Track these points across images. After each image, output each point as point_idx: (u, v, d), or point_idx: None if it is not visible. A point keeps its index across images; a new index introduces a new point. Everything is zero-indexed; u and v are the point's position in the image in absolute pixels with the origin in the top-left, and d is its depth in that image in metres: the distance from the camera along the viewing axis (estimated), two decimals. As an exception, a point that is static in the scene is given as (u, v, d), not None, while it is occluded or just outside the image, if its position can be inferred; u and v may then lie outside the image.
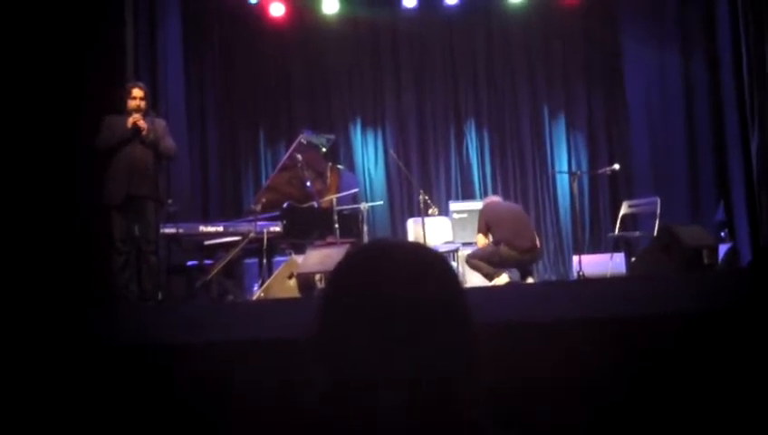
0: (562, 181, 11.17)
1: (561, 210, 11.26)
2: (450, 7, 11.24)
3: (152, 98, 9.13)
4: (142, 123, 6.99)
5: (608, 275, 8.75)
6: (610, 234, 9.57)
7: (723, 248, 8.27)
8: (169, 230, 7.49)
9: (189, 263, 7.98)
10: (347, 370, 1.44)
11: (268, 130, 11.57)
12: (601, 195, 11.17)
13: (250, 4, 11.02)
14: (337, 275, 1.52)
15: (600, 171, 9.87)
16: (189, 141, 10.11)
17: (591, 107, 11.49)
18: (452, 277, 1.52)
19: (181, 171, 9.51)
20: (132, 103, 7.08)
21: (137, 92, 7.17)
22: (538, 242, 8.36)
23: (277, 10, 11.09)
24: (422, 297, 1.45)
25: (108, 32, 8.08)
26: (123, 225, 6.91)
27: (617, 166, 9.23)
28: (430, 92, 11.64)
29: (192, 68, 10.38)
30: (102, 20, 7.99)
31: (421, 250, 1.54)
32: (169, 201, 7.75)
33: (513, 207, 8.88)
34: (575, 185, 9.14)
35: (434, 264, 1.51)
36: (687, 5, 10.25)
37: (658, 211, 8.78)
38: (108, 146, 6.97)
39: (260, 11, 11.12)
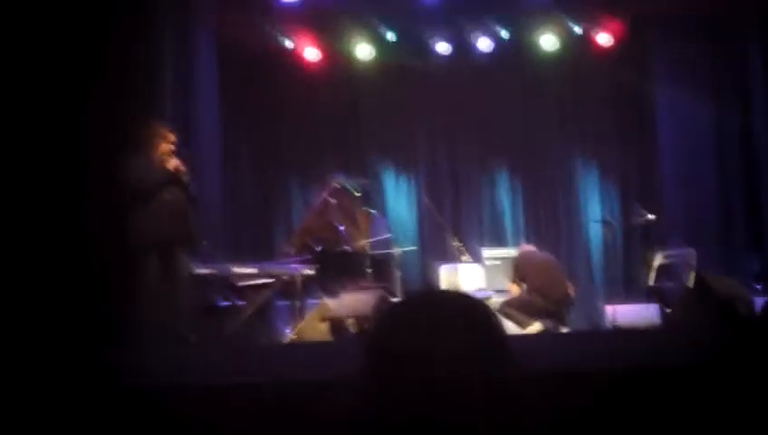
0: (595, 230, 11.11)
1: (594, 259, 11.18)
2: (483, 55, 11.30)
3: (186, 138, 9.27)
4: (183, 168, 7.04)
5: (642, 326, 8.66)
6: (643, 284, 9.48)
7: (759, 301, 8.17)
8: (202, 271, 7.51)
9: (221, 303, 8.00)
10: (394, 412, 1.45)
11: (302, 173, 11.62)
12: (634, 244, 11.09)
13: (285, 48, 11.14)
14: (383, 327, 1.53)
15: (635, 221, 9.80)
16: (223, 182, 10.18)
17: (624, 155, 11.45)
18: (495, 328, 1.52)
19: (214, 212, 9.57)
20: (167, 147, 7.10)
21: (172, 137, 7.21)
22: (572, 291, 8.32)
23: (312, 55, 11.20)
24: (468, 351, 1.46)
25: (145, 74, 8.19)
26: (156, 266, 6.93)
27: (652, 216, 9.17)
28: (463, 139, 11.66)
29: (227, 110, 10.46)
30: (139, 63, 8.11)
31: (465, 301, 1.54)
32: (204, 241, 7.79)
33: (547, 256, 8.83)
34: (608, 233, 9.08)
35: (477, 315, 1.51)
36: (719, 55, 10.26)
37: (695, 262, 8.71)
38: (149, 188, 6.97)
39: (295, 56, 11.24)
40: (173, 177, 7.04)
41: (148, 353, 5.61)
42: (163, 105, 8.51)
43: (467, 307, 1.53)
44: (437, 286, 9.39)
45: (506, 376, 1.49)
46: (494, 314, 1.56)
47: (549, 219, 11.45)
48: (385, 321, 1.54)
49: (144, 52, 8.25)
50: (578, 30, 11.11)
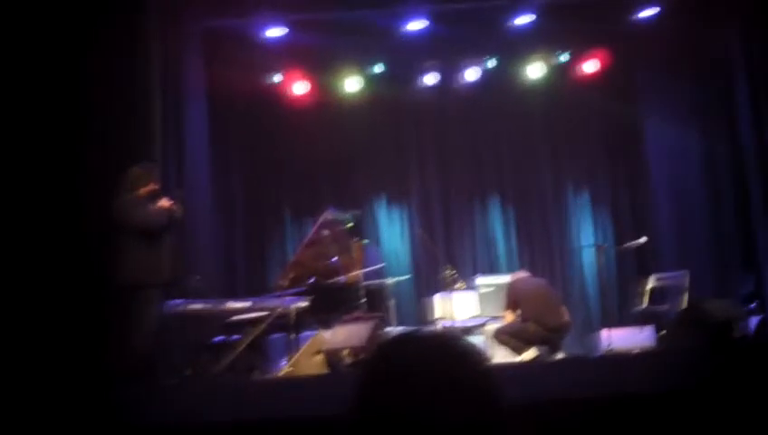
0: (588, 254, 11.14)
1: (588, 283, 11.21)
2: (470, 84, 11.37)
3: (179, 177, 9.29)
4: (176, 208, 7.05)
5: (636, 350, 8.68)
6: (637, 307, 9.50)
7: (753, 320, 8.20)
8: (196, 306, 7.50)
9: (216, 339, 7.98)
10: None
11: (293, 206, 11.64)
12: (627, 268, 11.11)
13: (274, 83, 11.19)
14: (370, 369, 1.55)
15: (627, 245, 9.82)
16: (215, 218, 10.20)
17: (614, 180, 11.54)
18: (485, 378, 1.53)
19: (207, 247, 9.58)
20: (156, 187, 7.10)
21: (157, 175, 7.23)
22: (566, 317, 8.32)
23: (300, 89, 11.25)
24: (452, 396, 1.48)
25: (134, 114, 8.22)
26: (155, 304, 6.92)
27: (644, 239, 9.21)
28: (453, 168, 11.71)
29: (217, 145, 10.52)
30: (129, 103, 8.14)
31: (452, 348, 1.55)
32: (197, 277, 7.79)
33: (541, 283, 8.84)
34: (601, 258, 9.10)
35: (465, 362, 1.53)
36: (705, 79, 10.34)
37: (687, 285, 8.74)
38: (154, 229, 6.94)
39: (283, 90, 11.29)
40: (171, 218, 7.05)
41: (143, 392, 5.61)
42: (154, 146, 8.53)
43: (454, 353, 1.55)
44: (425, 330, 9.41)
45: (491, 418, 1.50)
46: (480, 357, 1.57)
47: (542, 246, 11.49)
48: (372, 368, 1.55)
49: (134, 93, 8.29)
50: (564, 58, 11.21)
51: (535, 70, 11.23)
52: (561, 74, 11.34)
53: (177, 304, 7.40)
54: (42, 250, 7.18)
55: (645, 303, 9.28)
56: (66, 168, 7.47)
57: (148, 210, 6.90)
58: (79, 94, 7.66)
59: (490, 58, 11.22)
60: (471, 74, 11.30)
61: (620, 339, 8.86)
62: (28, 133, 7.34)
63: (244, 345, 7.30)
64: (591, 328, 10.96)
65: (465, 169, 11.72)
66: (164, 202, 7.01)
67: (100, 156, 7.61)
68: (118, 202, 6.90)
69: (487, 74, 11.33)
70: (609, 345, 8.05)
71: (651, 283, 9.33)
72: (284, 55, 10.92)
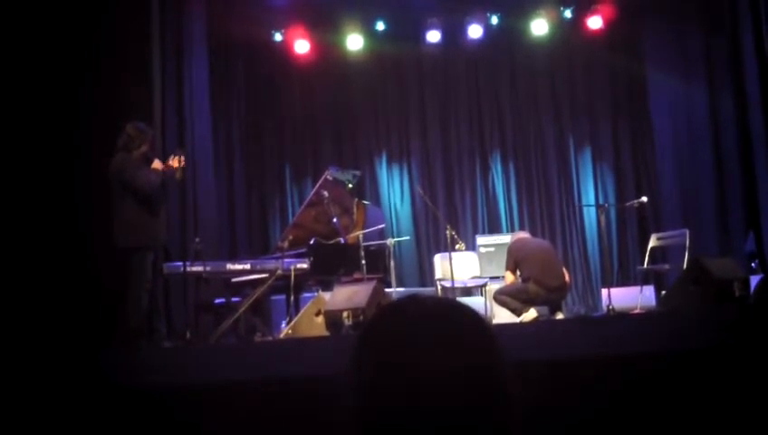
0: (590, 214, 11.11)
1: (589, 243, 11.20)
2: (473, 41, 11.27)
3: (179, 135, 9.24)
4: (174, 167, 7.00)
5: (638, 309, 8.67)
6: (639, 267, 9.48)
7: (754, 280, 8.17)
8: (196, 268, 7.49)
9: (216, 301, 7.99)
10: (373, 407, 1.45)
11: (294, 167, 11.61)
12: (629, 227, 11.10)
13: (276, 41, 11.09)
14: (369, 329, 1.52)
15: (628, 204, 9.76)
16: (216, 179, 10.16)
17: (618, 139, 11.45)
18: (485, 344, 1.50)
19: (208, 209, 9.55)
20: (147, 149, 7.03)
21: (151, 137, 7.19)
22: (567, 278, 8.29)
23: (302, 47, 11.15)
24: (451, 367, 1.45)
25: (134, 70, 8.15)
26: (151, 264, 6.90)
27: (645, 199, 9.16)
28: (455, 126, 11.65)
29: (218, 105, 10.45)
30: (129, 58, 8.07)
31: (452, 310, 1.52)
32: (196, 239, 7.77)
33: (542, 243, 8.80)
34: (603, 217, 9.04)
35: (464, 331, 1.50)
36: (712, 36, 10.23)
37: (688, 243, 8.71)
38: (155, 190, 6.90)
39: (285, 48, 11.19)
40: (165, 180, 7.01)
41: (142, 353, 5.61)
42: (152, 100, 8.48)
43: (454, 314, 1.52)
44: (425, 291, 9.43)
45: (492, 379, 1.47)
46: (481, 318, 1.54)
47: (543, 205, 11.45)
48: (372, 330, 1.53)
49: (135, 51, 8.22)
50: (568, 14, 11.09)
51: (539, 26, 11.11)
52: (565, 30, 11.22)
53: (178, 266, 7.40)
54: (37, 207, 7.16)
55: (646, 262, 9.26)
56: (64, 121, 7.43)
57: (141, 171, 6.84)
58: (77, 44, 7.60)
59: (494, 14, 11.10)
60: (474, 31, 11.19)
61: (621, 298, 8.84)
62: (25, 84, 7.29)
63: (244, 307, 7.29)
64: (592, 288, 10.98)
65: (467, 127, 11.66)
66: (157, 164, 6.94)
67: (98, 109, 7.57)
68: (113, 160, 6.85)
69: (491, 31, 11.22)
70: (609, 305, 8.01)
71: (652, 242, 9.30)
72: (287, 11, 10.82)
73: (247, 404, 4.04)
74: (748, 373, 3.46)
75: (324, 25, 11.08)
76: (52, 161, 7.32)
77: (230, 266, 7.81)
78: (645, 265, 9.25)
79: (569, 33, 11.24)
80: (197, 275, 7.57)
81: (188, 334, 7.11)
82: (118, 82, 7.77)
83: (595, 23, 11.00)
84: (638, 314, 7.98)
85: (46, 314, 6.78)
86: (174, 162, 6.94)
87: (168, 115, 9.10)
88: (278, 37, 11.08)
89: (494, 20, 11.13)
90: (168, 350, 6.33)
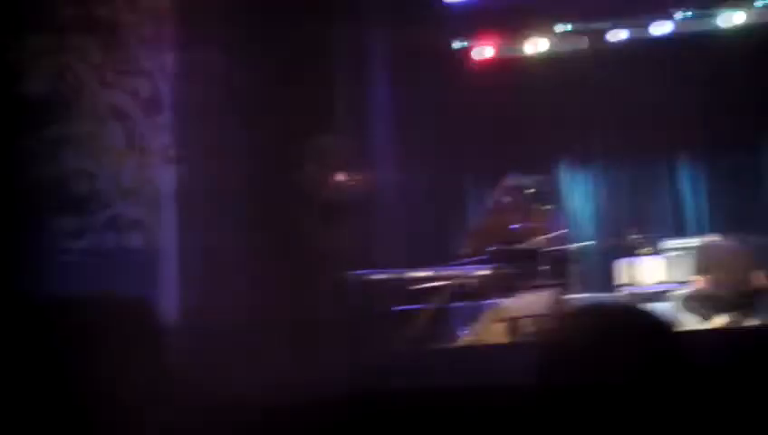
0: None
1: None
2: (660, 39, 10.95)
3: (361, 144, 9.38)
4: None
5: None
6: None
7: None
8: (378, 276, 7.59)
9: (397, 308, 8.06)
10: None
11: (475, 173, 11.61)
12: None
13: (458, 48, 11.18)
14: (552, 339, 1.51)
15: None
16: (397, 187, 10.28)
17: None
18: (669, 350, 1.45)
19: (389, 217, 9.67)
20: (336, 161, 7.13)
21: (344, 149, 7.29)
22: (763, 281, 7.94)
23: (484, 53, 11.23)
24: (635, 363, 1.42)
25: (317, 81, 8.32)
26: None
27: None
28: (639, 126, 11.32)
29: (399, 115, 10.58)
30: (312, 69, 8.24)
31: (636, 318, 1.49)
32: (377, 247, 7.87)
33: (734, 246, 8.43)
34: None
35: (650, 332, 1.46)
36: None
37: None
38: (344, 205, 7.02)
39: (467, 55, 11.26)
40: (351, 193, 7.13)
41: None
42: (335, 111, 8.65)
43: (638, 323, 1.48)
44: (608, 299, 9.22)
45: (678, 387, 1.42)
46: (667, 326, 1.49)
47: (733, 207, 10.97)
48: (555, 338, 1.51)
49: (321, 62, 8.41)
50: (761, 2, 10.59)
51: (729, 18, 10.66)
52: (759, 20, 10.71)
53: (360, 274, 7.51)
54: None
55: None
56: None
57: (331, 184, 6.99)
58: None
59: (680, 10, 10.74)
60: (660, 29, 10.87)
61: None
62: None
63: (426, 314, 7.34)
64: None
65: (652, 127, 11.31)
66: (341, 176, 7.05)
67: (282, 124, 7.77)
68: (305, 173, 7.00)
69: (677, 28, 10.88)
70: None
71: None
72: (469, 18, 10.88)
73: (428, 411, 4.05)
74: None
75: (507, 30, 11.05)
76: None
77: (412, 274, 7.88)
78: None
79: (762, 22, 10.72)
80: (379, 282, 7.67)
81: (370, 342, 7.20)
82: (299, 94, 7.94)
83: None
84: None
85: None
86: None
87: (350, 125, 9.27)
88: (460, 44, 11.14)
89: (681, 15, 10.77)
90: (349, 357, 6.42)
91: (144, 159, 6.80)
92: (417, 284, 7.92)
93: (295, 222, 7.04)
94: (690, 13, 10.73)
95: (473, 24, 11.00)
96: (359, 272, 7.63)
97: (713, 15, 10.70)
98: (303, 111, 7.79)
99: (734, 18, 10.61)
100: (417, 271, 7.96)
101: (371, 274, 7.47)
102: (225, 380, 4.47)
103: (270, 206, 7.53)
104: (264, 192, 7.54)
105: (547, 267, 8.13)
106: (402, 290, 8.04)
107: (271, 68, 7.84)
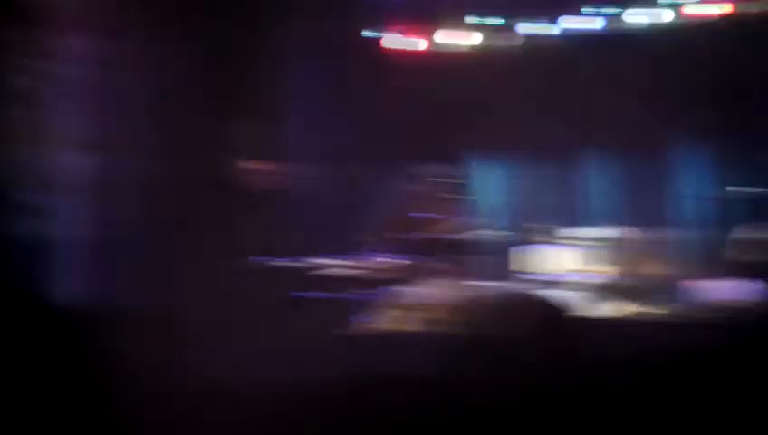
0: (693, 206, 10.84)
1: (693, 236, 10.87)
2: (580, 32, 11.11)
3: (278, 133, 9.29)
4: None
5: (742, 302, 8.43)
6: (742, 258, 9.18)
7: None
8: (283, 264, 7.54)
9: (302, 296, 8.02)
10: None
11: (391, 162, 11.55)
12: (734, 217, 10.73)
13: (383, 39, 11.16)
14: (465, 328, 1.50)
15: (736, 192, 9.44)
16: (309, 175, 10.24)
17: (729, 129, 11.08)
18: (570, 334, 1.46)
19: (299, 203, 9.62)
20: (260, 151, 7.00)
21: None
22: (669, 271, 8.17)
23: (409, 44, 11.25)
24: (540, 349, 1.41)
25: (242, 73, 8.23)
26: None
27: (755, 187, 8.80)
28: (555, 117, 11.35)
29: (318, 102, 10.54)
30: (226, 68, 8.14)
31: (541, 306, 1.48)
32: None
33: (641, 236, 8.73)
34: (707, 207, 8.81)
35: (555, 320, 1.46)
36: None
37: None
38: (256, 191, 6.90)
39: (390, 43, 11.28)
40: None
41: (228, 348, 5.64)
42: (255, 102, 8.58)
43: (543, 311, 1.48)
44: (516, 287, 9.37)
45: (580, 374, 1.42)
46: (566, 316, 1.49)
47: (645, 198, 11.19)
48: (459, 322, 1.49)
49: (234, 51, 8.32)
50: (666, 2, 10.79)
51: (651, 14, 10.84)
52: (678, 18, 10.90)
53: (266, 261, 7.45)
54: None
55: (751, 255, 8.98)
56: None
57: (252, 174, 6.91)
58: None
59: (607, 6, 10.89)
60: (581, 22, 11.02)
61: (723, 291, 8.61)
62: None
63: (330, 303, 7.32)
64: (692, 280, 10.66)
65: (567, 118, 11.46)
66: (259, 166, 6.97)
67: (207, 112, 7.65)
68: (226, 162, 6.89)
69: (599, 22, 11.01)
70: (710, 298, 7.81)
71: (760, 234, 9.03)
72: (382, 7, 10.85)
73: (330, 400, 4.02)
74: None
75: (435, 22, 11.05)
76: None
77: (317, 261, 7.85)
78: (750, 258, 8.96)
79: (683, 20, 10.91)
80: (284, 270, 7.62)
81: (274, 330, 7.13)
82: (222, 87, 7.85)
83: (716, 9, 10.65)
84: (741, 306, 7.75)
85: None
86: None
87: (268, 117, 9.19)
88: (384, 33, 11.10)
89: (607, 11, 10.92)
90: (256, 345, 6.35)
91: (52, 146, 6.69)
92: (322, 271, 7.90)
93: (208, 210, 6.94)
94: (602, 11, 10.85)
95: (386, 13, 10.95)
96: (266, 259, 7.56)
97: (624, 14, 10.85)
98: (216, 99, 7.70)
99: (655, 14, 10.78)
100: (321, 259, 7.93)
101: (277, 261, 7.40)
102: (131, 370, 4.39)
103: (182, 194, 7.43)
104: (176, 180, 7.44)
105: (451, 256, 8.19)
106: (307, 278, 8.01)
107: (185, 57, 7.74)
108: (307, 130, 10.37)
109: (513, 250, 10.01)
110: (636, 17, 10.84)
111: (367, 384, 4.26)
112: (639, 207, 11.12)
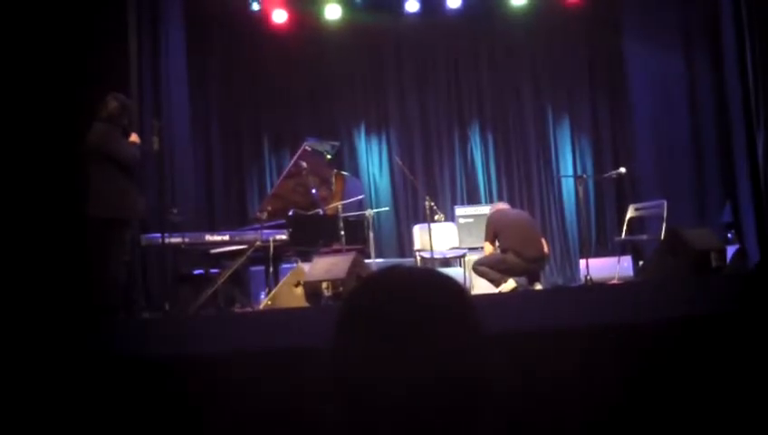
0: (568, 185, 11.13)
1: (567, 214, 11.24)
2: (453, 12, 11.21)
3: (155, 105, 9.18)
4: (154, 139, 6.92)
5: (615, 279, 8.73)
6: (617, 237, 9.53)
7: (731, 250, 8.23)
8: (175, 240, 7.45)
9: (195, 272, 7.96)
10: (357, 377, 1.45)
11: (272, 138, 11.54)
12: (607, 198, 11.14)
13: (252, 10, 10.96)
14: (352, 299, 1.52)
15: (606, 175, 9.74)
16: (193, 150, 10.12)
17: (596, 110, 11.47)
18: (466, 314, 1.50)
19: (185, 180, 9.51)
20: (126, 119, 6.89)
21: (132, 111, 7.03)
22: (546, 249, 8.32)
23: (280, 16, 11.03)
24: (432, 337, 1.45)
25: (111, 39, 8.08)
26: (130, 237, 6.84)
27: (623, 169, 9.10)
28: (434, 97, 11.63)
29: (195, 75, 10.36)
30: (105, 27, 8.00)
31: (432, 280, 1.53)
32: (174, 210, 7.72)
33: (521, 214, 8.82)
34: (581, 188, 9.04)
35: (446, 301, 1.50)
36: (689, 6, 10.22)
37: (665, 214, 8.75)
38: (136, 163, 6.81)
39: (262, 17, 11.08)
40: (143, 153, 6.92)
41: (120, 324, 5.58)
42: (128, 70, 8.42)
43: (434, 284, 1.52)
44: (405, 262, 9.46)
45: (472, 348, 1.48)
46: (461, 288, 1.54)
47: (522, 175, 11.47)
48: (354, 293, 1.53)
49: (110, 16, 8.14)
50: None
51: (518, -2, 11.07)
52: (544, 1, 11.17)
53: (156, 238, 7.36)
54: (7, 178, 7.08)
55: (624, 233, 9.29)
56: (39, 91, 7.34)
57: (125, 143, 6.75)
58: (52, 13, 7.49)
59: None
60: (453, 2, 11.13)
61: (599, 269, 8.90)
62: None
63: (223, 278, 7.28)
64: (570, 259, 11.03)
65: (446, 98, 11.64)
66: (134, 138, 6.84)
67: (74, 79, 7.48)
68: (94, 130, 6.72)
69: (470, 2, 11.16)
70: (587, 276, 8.06)
71: (630, 213, 9.33)
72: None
73: (227, 376, 4.03)
74: (731, 343, 3.49)
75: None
76: (24, 131, 7.23)
77: (209, 238, 7.79)
78: (623, 236, 9.29)
79: (548, 3, 11.19)
80: (176, 246, 7.54)
81: (167, 306, 7.09)
82: (93, 52, 7.68)
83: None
84: (615, 284, 8.02)
85: (17, 288, 6.71)
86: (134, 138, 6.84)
87: (144, 85, 9.05)
88: (255, 6, 10.91)
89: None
90: (146, 321, 6.31)
91: None
92: (214, 247, 7.85)
93: (87, 182, 6.77)
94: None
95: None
96: (156, 235, 7.46)
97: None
98: (97, 72, 7.54)
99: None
100: (215, 235, 7.87)
101: (167, 237, 7.30)
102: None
103: (60, 166, 7.27)
104: (51, 154, 7.27)
105: (343, 233, 8.24)
106: (200, 254, 7.95)
107: (63, 29, 7.54)
108: (193, 104, 10.25)
109: (408, 227, 10.12)
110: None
111: (263, 361, 4.30)
112: (520, 186, 11.44)
